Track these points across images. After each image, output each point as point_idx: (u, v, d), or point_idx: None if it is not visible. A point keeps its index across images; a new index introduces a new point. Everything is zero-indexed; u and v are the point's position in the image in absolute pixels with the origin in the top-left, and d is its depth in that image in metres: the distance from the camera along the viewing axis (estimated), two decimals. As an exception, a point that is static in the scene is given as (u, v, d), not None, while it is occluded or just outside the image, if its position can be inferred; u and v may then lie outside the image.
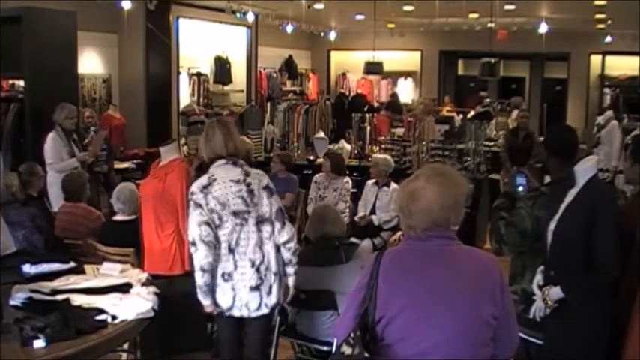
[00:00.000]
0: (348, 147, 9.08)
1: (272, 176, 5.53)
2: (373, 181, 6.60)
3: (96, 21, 8.85)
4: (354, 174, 7.73)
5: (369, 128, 9.56)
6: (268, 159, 8.05)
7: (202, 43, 11.26)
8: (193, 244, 3.50)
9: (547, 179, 3.48)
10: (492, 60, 10.41)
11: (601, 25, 12.52)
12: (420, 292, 2.13)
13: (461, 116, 10.35)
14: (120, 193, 4.86)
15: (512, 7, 10.23)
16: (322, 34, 14.23)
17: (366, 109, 9.84)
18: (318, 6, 10.48)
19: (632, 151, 3.47)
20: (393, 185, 6.33)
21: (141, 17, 9.60)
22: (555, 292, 3.06)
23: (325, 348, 3.86)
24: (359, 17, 12.33)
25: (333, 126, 11.40)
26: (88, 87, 9.30)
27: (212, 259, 3.51)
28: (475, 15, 11.18)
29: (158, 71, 9.94)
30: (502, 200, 3.59)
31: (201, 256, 3.50)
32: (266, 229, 3.55)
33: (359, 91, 14.59)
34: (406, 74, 15.94)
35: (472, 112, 9.85)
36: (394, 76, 15.60)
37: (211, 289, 3.57)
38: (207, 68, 11.53)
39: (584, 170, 3.12)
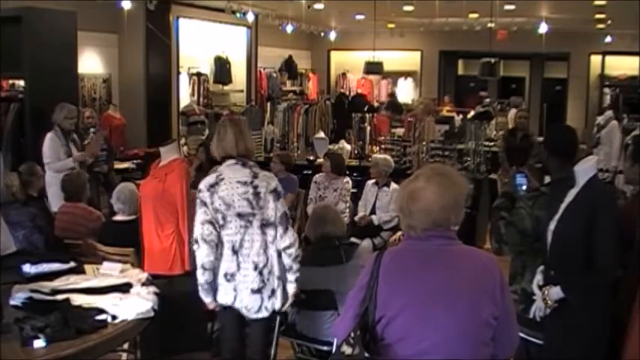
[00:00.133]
0: (348, 147, 9.08)
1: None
2: (373, 181, 6.60)
3: (96, 21, 8.85)
4: (354, 174, 7.73)
5: (369, 128, 9.56)
6: (268, 159, 8.05)
7: (202, 43, 11.26)
8: (196, 241, 3.54)
9: (547, 179, 3.48)
10: (492, 60, 10.41)
11: (601, 25, 12.52)
12: (420, 292, 2.13)
13: (461, 116, 10.35)
14: (120, 193, 4.86)
15: (512, 7, 10.23)
16: (322, 34, 14.23)
17: (366, 109, 9.84)
18: (318, 6, 10.48)
19: (633, 151, 3.47)
20: (393, 185, 6.34)
21: (141, 17, 9.60)
22: (555, 292, 3.06)
23: (325, 348, 3.86)
24: (359, 17, 12.34)
25: (333, 126, 11.40)
26: (88, 87, 9.30)
27: (213, 258, 3.52)
28: (475, 15, 11.18)
29: (158, 71, 9.94)
30: (502, 200, 3.58)
31: (202, 255, 3.52)
32: (270, 232, 3.54)
33: (359, 91, 14.59)
34: (406, 74, 15.94)
35: (472, 112, 9.85)
36: (394, 76, 15.60)
37: (213, 288, 3.57)
38: (207, 68, 11.53)
39: (584, 170, 3.12)
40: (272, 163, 6.92)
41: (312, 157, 9.00)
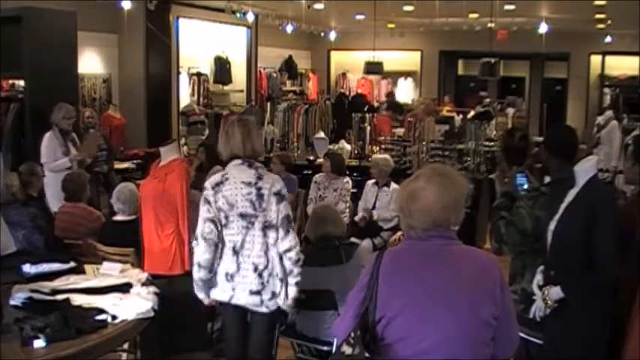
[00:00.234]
0: (348, 147, 9.08)
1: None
2: (373, 181, 6.60)
3: (96, 21, 8.85)
4: (354, 174, 7.73)
5: (369, 128, 9.56)
6: (268, 159, 8.05)
7: (202, 43, 11.25)
8: (196, 238, 3.57)
9: (547, 179, 3.48)
10: (492, 60, 10.41)
11: (601, 25, 12.52)
12: (420, 292, 2.13)
13: (461, 116, 10.35)
14: (120, 193, 4.86)
15: (512, 7, 10.23)
16: (322, 34, 14.23)
17: (366, 109, 9.85)
18: (318, 6, 10.48)
19: (634, 151, 3.47)
20: (393, 185, 6.33)
21: (141, 17, 9.59)
22: (555, 292, 3.06)
23: (325, 348, 3.86)
24: (359, 17, 12.33)
25: (333, 126, 11.41)
26: (88, 87, 9.30)
27: (210, 257, 3.53)
28: (475, 15, 11.18)
29: (158, 71, 9.93)
30: (502, 200, 3.58)
31: (199, 252, 3.55)
32: (272, 235, 3.53)
33: (359, 91, 14.59)
34: (406, 74, 15.94)
35: (472, 112, 9.85)
36: (394, 76, 15.59)
37: (207, 285, 3.59)
38: (207, 68, 11.53)
39: (584, 170, 3.12)
40: (272, 164, 6.92)
41: (312, 157, 9.00)
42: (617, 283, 3.02)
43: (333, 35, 13.97)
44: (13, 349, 2.81)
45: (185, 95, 10.78)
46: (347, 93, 14.69)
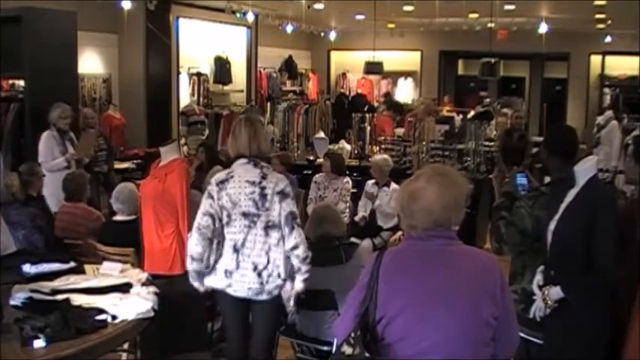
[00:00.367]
0: (348, 147, 9.08)
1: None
2: (373, 181, 6.60)
3: (96, 21, 8.85)
4: (354, 174, 7.73)
5: (369, 128, 9.56)
6: (268, 159, 8.05)
7: (202, 43, 11.25)
8: (192, 230, 3.59)
9: (547, 179, 3.48)
10: (492, 60, 10.41)
11: (601, 25, 12.52)
12: (420, 292, 2.13)
13: (461, 116, 10.35)
14: (119, 193, 4.86)
15: (512, 7, 10.23)
16: (322, 34, 14.22)
17: (366, 109, 9.84)
18: (318, 6, 10.48)
19: (634, 151, 3.46)
20: (393, 185, 6.33)
21: (141, 17, 9.59)
22: (555, 292, 3.06)
23: (325, 348, 3.86)
24: (359, 17, 12.33)
25: (333, 126, 11.41)
26: (88, 87, 9.29)
27: (202, 250, 3.54)
28: (475, 15, 11.18)
29: (158, 71, 9.93)
30: (502, 200, 3.58)
31: (192, 244, 3.56)
32: (274, 235, 3.53)
33: (359, 91, 14.58)
34: (406, 74, 15.93)
35: (472, 112, 9.85)
36: (394, 76, 15.59)
37: (201, 275, 3.61)
38: (207, 68, 11.52)
39: (584, 170, 3.12)
40: (272, 164, 6.91)
41: (312, 157, 9.01)
42: (617, 283, 3.02)
43: (333, 35, 13.97)
44: (13, 349, 2.80)
45: (185, 95, 10.77)
46: (347, 93, 14.69)
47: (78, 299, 3.30)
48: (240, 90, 12.39)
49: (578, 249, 3.02)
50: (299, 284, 3.58)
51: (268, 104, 12.81)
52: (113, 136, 8.67)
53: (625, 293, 3.04)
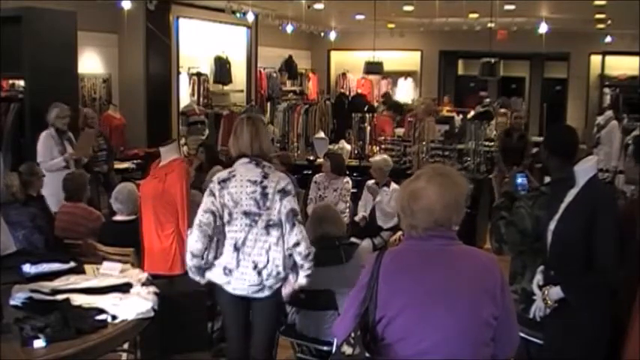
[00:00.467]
0: (348, 147, 9.08)
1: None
2: (373, 181, 6.59)
3: (96, 21, 8.85)
4: (354, 174, 7.73)
5: (369, 128, 9.56)
6: (269, 159, 8.05)
7: (202, 43, 11.25)
8: (192, 226, 3.59)
9: (547, 179, 3.48)
10: (492, 60, 10.41)
11: (601, 25, 12.52)
12: (420, 292, 2.13)
13: (461, 116, 10.35)
14: (118, 193, 4.86)
15: (512, 7, 10.23)
16: (322, 34, 14.22)
17: (366, 109, 9.84)
18: (318, 6, 10.48)
19: (634, 151, 3.46)
20: (393, 185, 6.33)
21: (141, 17, 9.59)
22: (555, 292, 3.06)
23: (325, 348, 3.86)
24: (359, 17, 12.33)
25: (333, 126, 11.40)
26: (88, 87, 9.30)
27: (201, 247, 3.54)
28: (475, 15, 11.18)
29: (158, 71, 9.93)
30: (502, 200, 3.58)
31: (192, 241, 3.56)
32: (274, 233, 3.53)
33: (359, 91, 14.58)
34: (406, 74, 15.93)
35: (472, 112, 9.86)
36: (394, 76, 15.59)
37: (202, 270, 3.61)
38: (207, 68, 11.52)
39: (584, 170, 3.12)
40: (272, 164, 6.91)
41: (312, 157, 9.00)
42: (617, 283, 3.02)
43: (333, 35, 13.97)
44: (13, 349, 2.80)
45: (185, 95, 10.78)
46: (347, 93, 14.68)
47: (78, 299, 3.30)
48: (240, 90, 12.39)
49: (578, 249, 3.02)
50: (302, 279, 3.58)
51: (268, 104, 12.81)
52: (113, 136, 8.67)
53: (625, 293, 3.04)
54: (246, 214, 3.53)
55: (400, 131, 10.37)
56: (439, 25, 12.73)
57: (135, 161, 8.65)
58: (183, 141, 9.74)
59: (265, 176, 3.55)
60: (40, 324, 2.90)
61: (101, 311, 3.18)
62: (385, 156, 7.13)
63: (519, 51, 14.13)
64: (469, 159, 8.36)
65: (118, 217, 4.86)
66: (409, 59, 15.76)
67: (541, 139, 5.07)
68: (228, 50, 11.84)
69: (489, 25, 10.62)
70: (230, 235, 3.57)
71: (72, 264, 3.87)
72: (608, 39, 13.77)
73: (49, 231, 4.69)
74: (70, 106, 6.60)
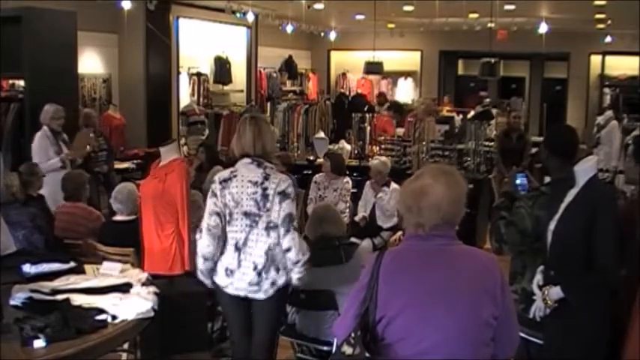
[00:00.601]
0: (348, 147, 9.08)
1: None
2: (373, 180, 6.60)
3: (96, 21, 8.85)
4: (354, 174, 7.73)
5: (369, 128, 9.55)
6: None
7: (202, 43, 11.25)
8: (200, 230, 3.60)
9: (547, 179, 3.48)
10: (492, 60, 10.40)
11: (601, 25, 12.52)
12: (420, 292, 2.13)
13: (461, 116, 10.35)
14: (118, 192, 4.86)
15: (512, 7, 10.23)
16: (322, 34, 14.22)
17: (366, 109, 9.83)
18: (318, 6, 10.48)
19: (634, 151, 3.46)
20: (393, 185, 6.34)
21: (141, 17, 9.59)
22: (555, 292, 3.06)
23: (325, 348, 3.86)
24: (359, 17, 12.33)
25: (333, 126, 11.39)
26: (88, 87, 9.30)
27: (213, 249, 3.57)
28: (475, 15, 11.18)
29: (158, 71, 9.93)
30: (502, 200, 3.59)
31: (203, 245, 3.58)
32: (274, 234, 3.53)
33: (359, 91, 14.57)
34: (406, 74, 15.93)
35: (472, 112, 9.85)
36: (394, 76, 15.58)
37: (211, 273, 3.63)
38: (207, 68, 11.52)
39: (584, 170, 3.12)
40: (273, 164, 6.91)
41: (312, 157, 9.00)
42: (617, 283, 3.02)
43: (333, 35, 13.97)
44: (13, 349, 2.80)
45: (185, 95, 10.77)
46: (347, 93, 14.67)
47: (78, 299, 3.29)
48: (240, 90, 12.39)
49: (578, 249, 3.02)
50: (295, 281, 3.60)
51: (268, 104, 12.80)
52: (113, 136, 8.67)
53: (625, 293, 3.04)
54: (246, 214, 3.53)
55: (400, 131, 10.36)
56: (439, 25, 12.73)
57: (135, 161, 8.64)
58: (183, 141, 9.74)
59: (266, 177, 3.55)
60: (40, 324, 2.90)
61: (101, 311, 3.18)
62: (383, 158, 7.13)
63: (519, 51, 14.13)
64: (469, 159, 8.36)
65: (117, 217, 4.85)
66: (409, 59, 15.76)
67: (541, 139, 5.07)
68: (228, 50, 11.84)
69: (489, 25, 10.62)
70: (231, 236, 3.57)
71: (72, 264, 3.87)
72: (608, 39, 13.77)
73: (49, 231, 4.68)
74: (70, 106, 6.60)
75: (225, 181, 3.57)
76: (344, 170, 6.90)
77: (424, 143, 8.57)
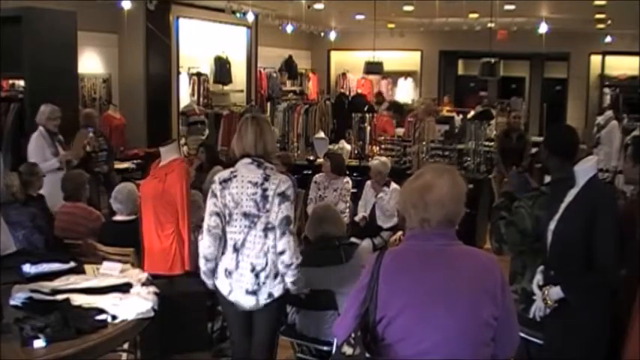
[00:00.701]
0: (348, 147, 9.08)
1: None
2: (373, 180, 6.59)
3: (96, 21, 8.85)
4: (354, 174, 7.73)
5: (369, 128, 9.56)
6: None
7: (202, 43, 11.26)
8: (202, 232, 3.60)
9: (547, 179, 3.48)
10: (492, 60, 10.40)
11: (601, 25, 12.52)
12: (420, 292, 2.13)
13: (461, 116, 10.35)
14: (118, 192, 4.86)
15: (512, 7, 10.23)
16: (322, 34, 14.23)
17: (366, 109, 9.84)
18: (318, 6, 10.48)
19: (633, 151, 3.47)
20: (393, 185, 6.34)
21: (141, 17, 9.60)
22: (555, 292, 3.06)
23: (325, 348, 3.86)
24: (359, 17, 12.33)
25: (333, 126, 11.39)
26: (88, 87, 9.30)
27: (214, 250, 3.56)
28: (475, 15, 11.18)
29: (158, 71, 9.94)
30: (502, 200, 3.59)
31: (204, 246, 3.58)
32: (272, 236, 3.52)
33: (359, 91, 14.58)
34: (406, 74, 15.94)
35: (472, 112, 9.85)
36: (394, 76, 15.59)
37: (214, 274, 3.63)
38: (207, 68, 11.53)
39: (584, 170, 3.12)
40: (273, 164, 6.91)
41: (312, 157, 9.00)
42: (617, 283, 3.02)
43: (333, 35, 13.98)
44: (13, 349, 2.80)
45: (185, 95, 10.78)
46: (347, 93, 14.68)
47: (78, 299, 3.29)
48: (240, 90, 12.40)
49: (578, 249, 3.02)
50: (288, 285, 3.58)
51: (268, 104, 12.81)
52: (113, 136, 8.66)
53: (625, 293, 3.04)
54: (245, 215, 3.52)
55: (400, 131, 10.36)
56: (439, 25, 12.73)
57: (135, 161, 8.64)
58: (183, 141, 9.74)
59: (266, 178, 3.54)
60: (40, 324, 2.90)
61: (101, 311, 3.18)
62: (383, 158, 7.14)
63: (519, 51, 14.13)
64: (469, 159, 8.36)
65: (117, 217, 4.85)
66: (409, 59, 15.77)
67: (541, 139, 5.07)
68: (228, 50, 11.85)
69: (489, 25, 10.62)
70: (230, 236, 3.57)
71: (72, 264, 3.87)
72: (608, 39, 13.77)
73: (49, 231, 4.69)
74: (70, 107, 6.60)
75: (225, 182, 3.57)
76: (344, 170, 6.90)
77: (424, 143, 8.58)
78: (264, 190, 3.51)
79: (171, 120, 10.24)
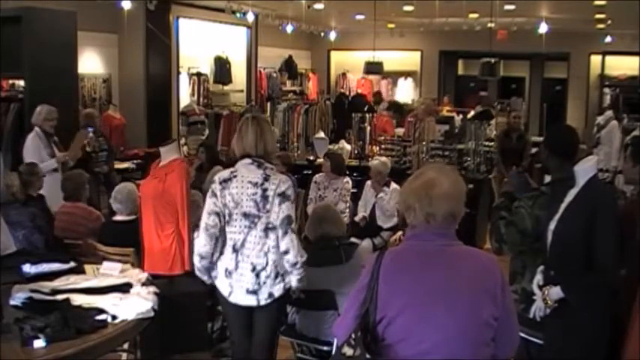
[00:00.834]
0: (348, 147, 9.08)
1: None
2: (373, 180, 6.59)
3: (96, 21, 8.85)
4: (354, 174, 7.73)
5: (369, 128, 9.56)
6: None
7: (202, 43, 11.25)
8: (199, 229, 3.60)
9: (547, 179, 3.48)
10: (492, 60, 10.40)
11: (601, 25, 12.52)
12: (420, 292, 2.13)
13: (461, 116, 10.35)
14: (117, 192, 4.86)
15: (512, 7, 10.23)
16: (322, 34, 14.22)
17: (366, 109, 9.83)
18: (318, 6, 10.48)
19: (632, 152, 3.47)
20: (393, 185, 6.34)
21: (141, 17, 9.59)
22: (555, 292, 3.06)
23: (325, 348, 3.86)
24: (359, 17, 12.33)
25: (333, 126, 11.39)
26: (88, 87, 9.30)
27: (209, 249, 3.56)
28: (475, 15, 11.18)
29: (158, 71, 9.93)
30: (502, 200, 3.59)
31: (200, 244, 3.58)
32: (273, 236, 3.52)
33: (359, 91, 14.56)
34: (406, 74, 15.93)
35: (472, 112, 9.85)
36: (394, 76, 15.58)
37: (209, 270, 3.63)
38: (207, 68, 11.52)
39: (584, 170, 3.12)
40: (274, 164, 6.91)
41: (312, 157, 9.00)
42: (617, 283, 3.03)
43: (333, 35, 13.97)
44: (13, 349, 2.80)
45: (185, 95, 10.77)
46: (347, 93, 14.66)
47: (78, 299, 3.29)
48: (240, 90, 12.39)
49: (578, 249, 3.02)
50: (294, 283, 3.59)
51: (268, 104, 12.80)
52: (113, 136, 8.66)
53: (625, 293, 3.04)
54: (245, 215, 3.52)
55: (400, 131, 10.36)
56: (439, 25, 12.73)
57: (135, 161, 8.64)
58: (183, 141, 9.73)
59: (266, 178, 3.53)
60: (40, 324, 2.90)
61: (101, 311, 3.18)
62: (383, 158, 7.14)
63: (519, 51, 14.13)
64: (469, 159, 8.36)
65: (117, 217, 4.85)
66: (409, 59, 15.76)
67: (541, 139, 5.07)
68: (228, 50, 11.84)
69: (489, 25, 10.61)
70: (229, 237, 3.57)
71: (72, 264, 3.87)
72: (608, 39, 13.77)
73: (49, 231, 4.68)
74: (70, 107, 6.59)
75: (225, 182, 3.56)
76: (344, 170, 6.90)
77: (424, 143, 8.57)
78: (264, 190, 3.51)
79: (172, 120, 10.24)
